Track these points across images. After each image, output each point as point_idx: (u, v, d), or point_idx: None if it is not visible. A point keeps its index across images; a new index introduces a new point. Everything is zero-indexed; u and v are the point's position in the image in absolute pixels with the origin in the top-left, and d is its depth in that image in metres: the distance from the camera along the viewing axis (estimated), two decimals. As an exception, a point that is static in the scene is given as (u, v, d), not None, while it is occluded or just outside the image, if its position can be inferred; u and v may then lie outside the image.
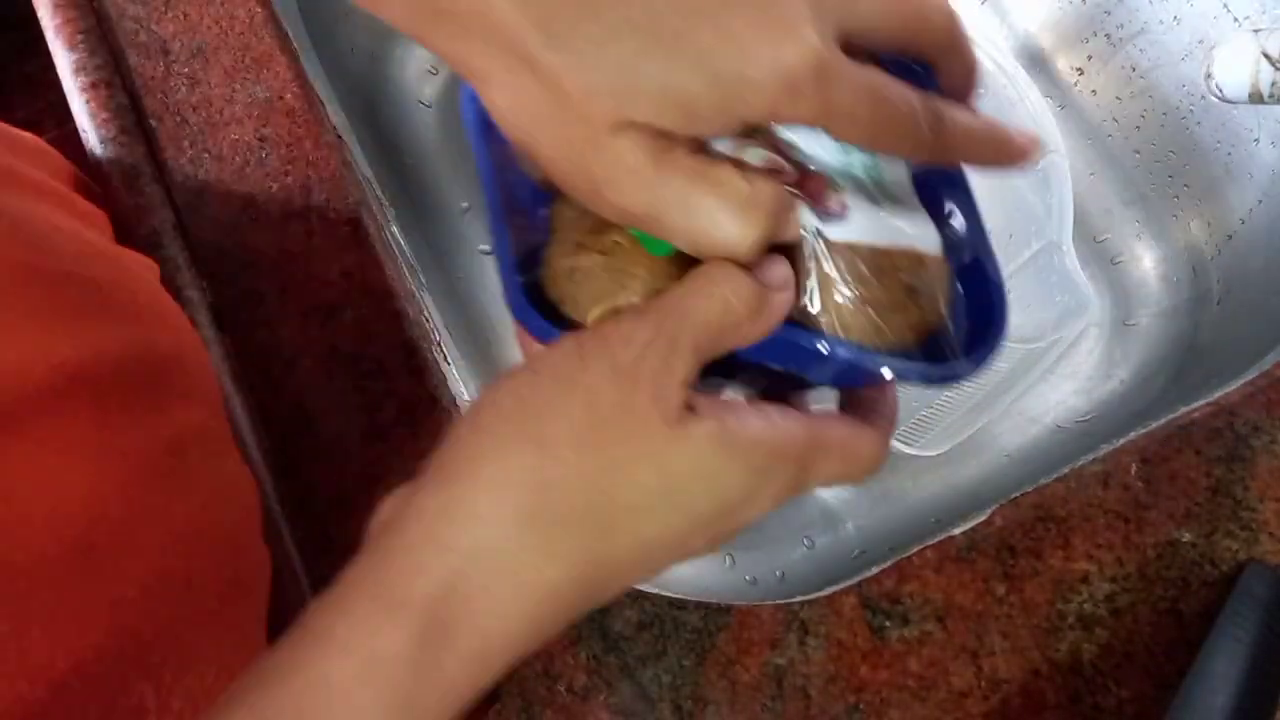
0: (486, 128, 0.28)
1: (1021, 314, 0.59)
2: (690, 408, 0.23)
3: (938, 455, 0.59)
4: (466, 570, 0.22)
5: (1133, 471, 0.45)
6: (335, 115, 0.52)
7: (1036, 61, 0.69)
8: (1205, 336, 0.61)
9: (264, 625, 0.38)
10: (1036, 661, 0.42)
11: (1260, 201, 0.59)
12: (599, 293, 0.26)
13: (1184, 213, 0.64)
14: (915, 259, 0.27)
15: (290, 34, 0.52)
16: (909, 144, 0.24)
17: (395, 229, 0.54)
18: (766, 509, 0.25)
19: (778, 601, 0.43)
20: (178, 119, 0.49)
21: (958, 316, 0.28)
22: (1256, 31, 0.49)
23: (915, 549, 0.44)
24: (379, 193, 0.55)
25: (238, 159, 0.49)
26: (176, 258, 0.46)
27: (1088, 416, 0.62)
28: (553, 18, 0.21)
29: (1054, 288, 0.61)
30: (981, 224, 0.28)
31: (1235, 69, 0.49)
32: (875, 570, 0.44)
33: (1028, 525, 0.44)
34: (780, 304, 0.25)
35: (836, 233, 0.25)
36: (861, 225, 0.26)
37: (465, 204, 0.68)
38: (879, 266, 0.26)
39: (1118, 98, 0.66)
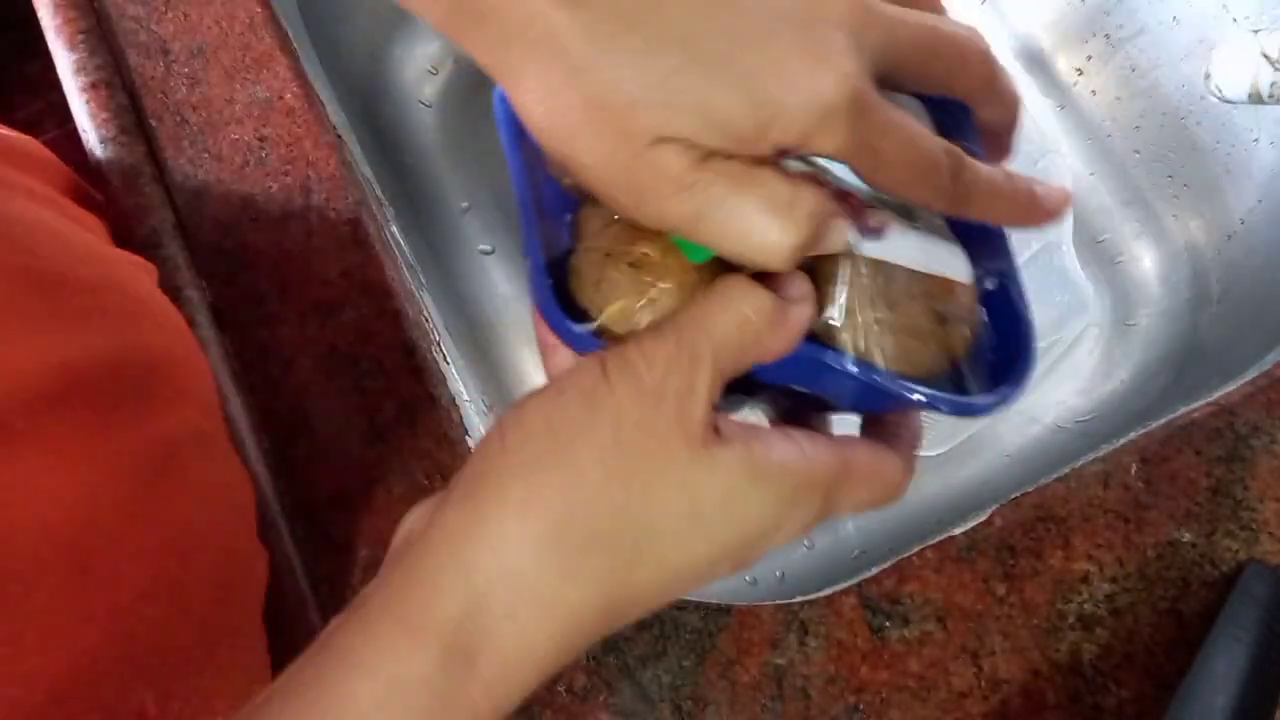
0: (518, 129, 0.27)
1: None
2: (717, 430, 0.23)
3: (938, 455, 0.59)
4: (490, 593, 0.22)
5: (1133, 471, 0.45)
6: (335, 115, 0.52)
7: (1036, 61, 0.69)
8: (1205, 336, 0.61)
9: (261, 627, 0.38)
10: (1036, 661, 0.42)
11: (1260, 201, 0.59)
12: (626, 304, 0.26)
13: (1184, 213, 0.64)
14: (946, 286, 0.26)
15: (290, 34, 0.52)
16: (929, 191, 0.24)
17: (395, 229, 0.54)
18: (792, 538, 0.25)
19: (778, 602, 0.43)
20: (177, 119, 0.49)
21: (983, 348, 0.27)
22: (1256, 31, 0.49)
23: (915, 549, 0.44)
24: (378, 192, 0.55)
25: (237, 159, 0.49)
26: (176, 257, 0.46)
27: (1088, 416, 0.62)
28: (597, 29, 0.21)
29: (1054, 288, 0.61)
30: (1012, 256, 0.28)
31: (1235, 69, 0.49)
32: (875, 570, 0.44)
33: (1028, 525, 0.44)
34: (799, 317, 0.25)
35: (874, 250, 0.25)
36: (898, 246, 0.26)
37: (465, 204, 0.68)
38: (911, 291, 0.26)
39: (1118, 98, 0.66)
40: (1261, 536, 0.44)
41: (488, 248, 0.67)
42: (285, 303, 0.46)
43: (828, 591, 0.43)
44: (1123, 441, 0.46)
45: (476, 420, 0.51)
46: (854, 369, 0.25)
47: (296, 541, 0.42)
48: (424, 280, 0.56)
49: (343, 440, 0.44)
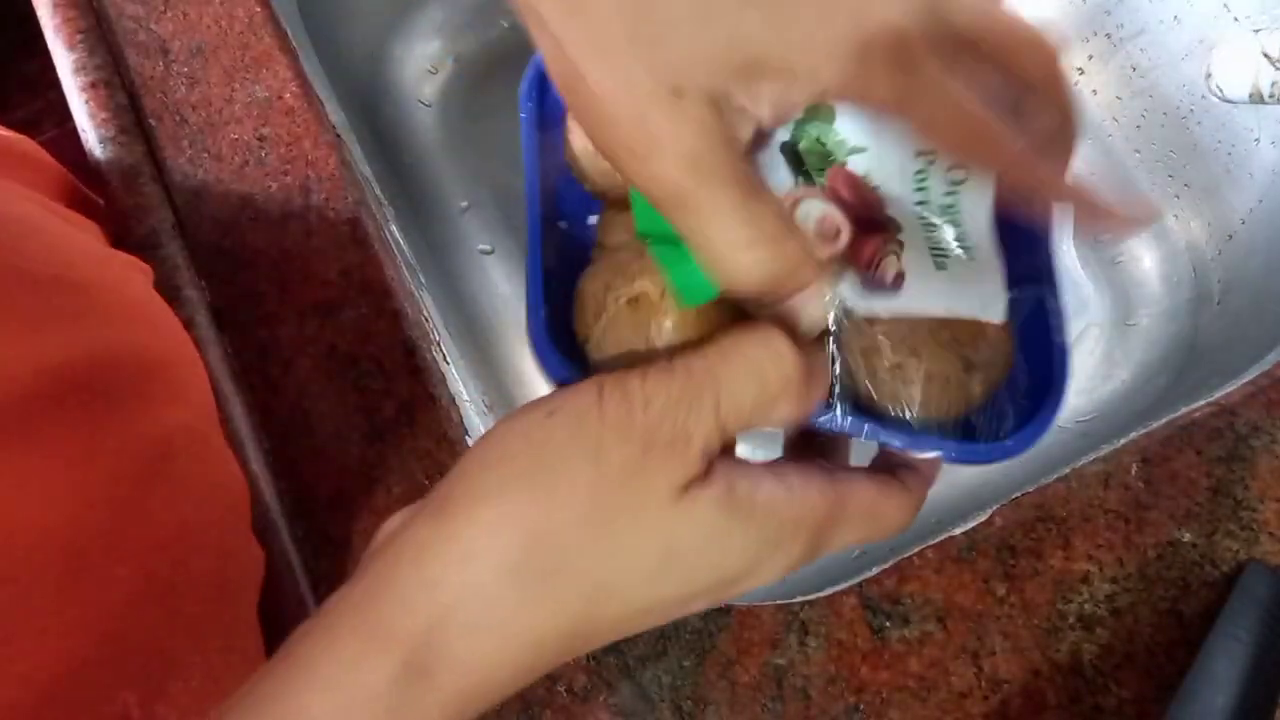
0: (541, 132, 0.27)
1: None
2: (704, 470, 0.22)
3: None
4: (453, 611, 0.21)
5: (1133, 471, 0.45)
6: (334, 114, 0.52)
7: (1036, 61, 0.68)
8: (1205, 336, 0.61)
9: (256, 627, 0.38)
10: (1037, 662, 0.42)
11: (1260, 201, 0.59)
12: (622, 340, 0.25)
13: (1184, 213, 0.64)
14: (975, 331, 0.25)
15: (289, 33, 0.52)
16: (993, 151, 0.23)
17: (394, 228, 0.54)
18: (776, 578, 0.24)
19: (778, 602, 0.43)
20: (177, 118, 0.49)
21: (1015, 385, 0.26)
22: (1256, 31, 0.48)
23: (915, 549, 0.44)
24: (378, 192, 0.55)
25: (237, 158, 0.49)
26: (175, 257, 0.46)
27: (1088, 416, 0.62)
28: None
29: (1054, 287, 0.61)
30: (1055, 278, 0.26)
31: (1235, 69, 0.49)
32: (875, 570, 0.44)
33: (1028, 525, 0.44)
34: (819, 393, 0.24)
35: (884, 307, 0.24)
36: (916, 296, 0.24)
37: (465, 203, 0.68)
38: (933, 339, 0.25)
39: (1118, 97, 0.66)
40: (1261, 536, 0.44)
41: (487, 247, 0.67)
42: (285, 302, 0.46)
43: (828, 591, 0.43)
44: (1123, 441, 0.45)
45: (476, 420, 0.51)
46: (851, 432, 0.24)
47: (296, 541, 0.42)
48: (424, 280, 0.56)
49: (342, 440, 0.44)
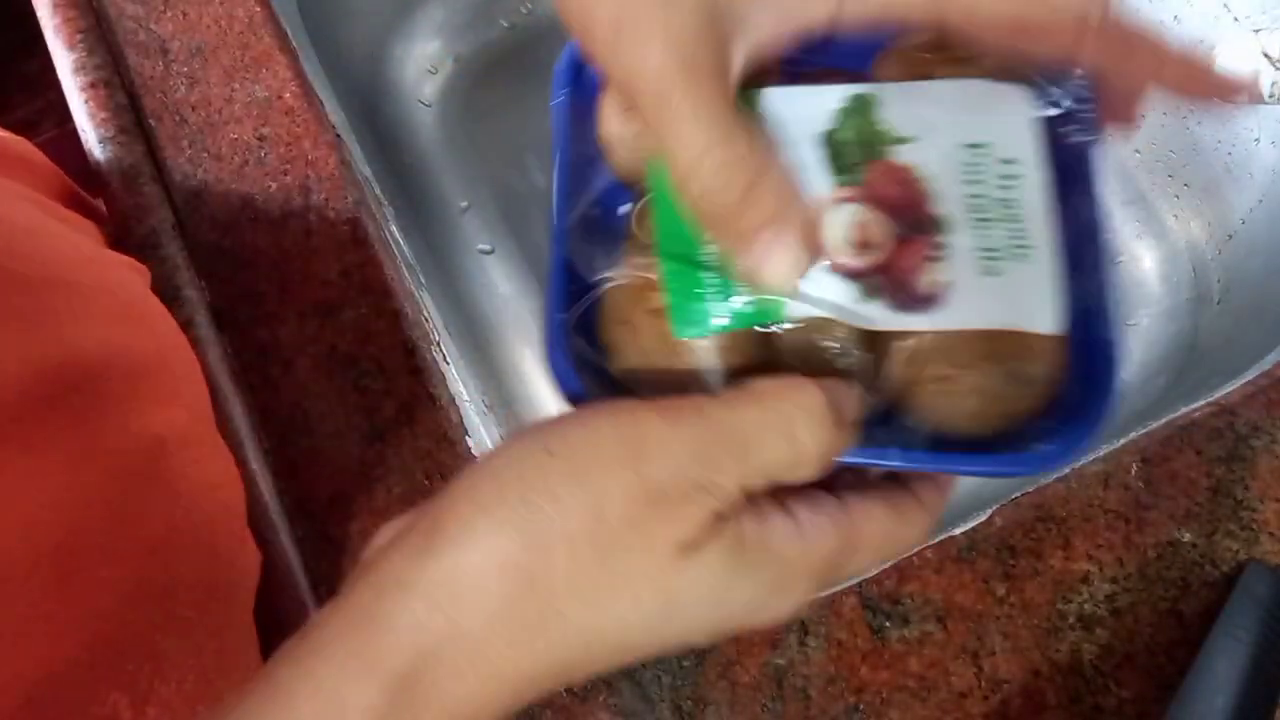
0: (573, 118, 0.26)
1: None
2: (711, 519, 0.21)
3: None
4: (438, 651, 0.21)
5: (1133, 471, 0.45)
6: (334, 114, 0.52)
7: (1036, 61, 0.68)
8: (1205, 336, 0.61)
9: (251, 629, 0.38)
10: (1037, 662, 0.42)
11: (1260, 201, 0.59)
12: (646, 352, 0.23)
13: (1184, 213, 0.64)
14: (1022, 344, 0.23)
15: (289, 33, 0.52)
16: (1066, 29, 0.21)
17: (394, 228, 0.54)
18: (785, 616, 0.23)
19: (777, 601, 0.43)
20: (177, 118, 0.49)
21: (1066, 395, 0.24)
22: (1257, 31, 0.48)
23: (915, 549, 0.44)
24: (378, 192, 0.55)
25: (236, 158, 0.49)
26: (175, 257, 0.46)
27: (1088, 416, 0.62)
28: None
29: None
30: (1108, 267, 0.24)
31: (1236, 69, 0.49)
32: (875, 570, 0.44)
33: (1028, 525, 0.44)
34: (848, 441, 0.22)
35: (922, 322, 0.23)
36: (960, 308, 0.23)
37: (465, 203, 0.68)
38: (975, 353, 0.23)
39: (1118, 97, 0.66)
40: (1261, 536, 0.44)
41: (487, 247, 0.67)
42: (284, 302, 0.46)
43: (828, 592, 0.43)
44: (1123, 441, 0.45)
45: (476, 420, 0.51)
46: (886, 463, 0.23)
47: (296, 541, 0.42)
48: (424, 280, 0.56)
49: (342, 440, 0.44)
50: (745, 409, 0.21)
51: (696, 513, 0.21)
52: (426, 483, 0.44)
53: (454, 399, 0.46)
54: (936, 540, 0.44)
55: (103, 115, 0.48)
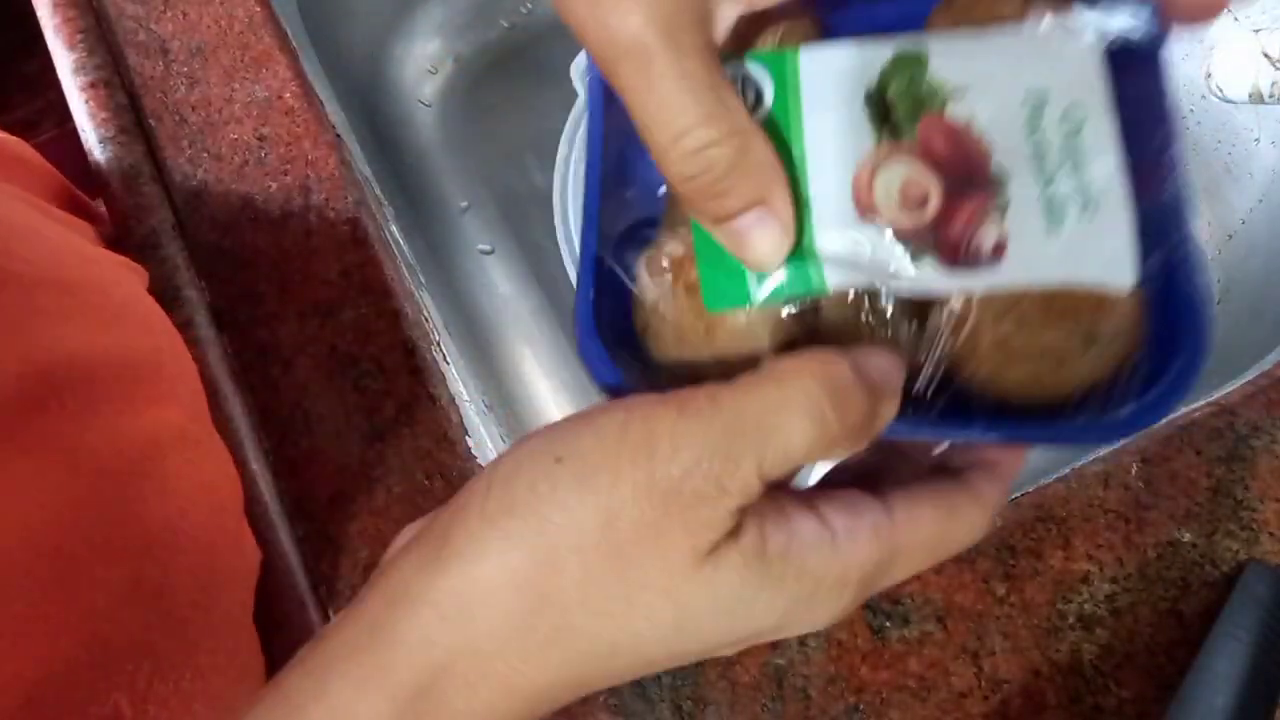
0: (608, 95, 0.25)
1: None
2: (733, 527, 0.20)
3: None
4: (449, 665, 0.20)
5: (1133, 471, 0.45)
6: (334, 114, 0.52)
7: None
8: (1205, 336, 0.61)
9: (250, 627, 0.38)
10: (1037, 662, 0.42)
11: (1260, 201, 0.59)
12: (683, 333, 0.22)
13: (1184, 212, 0.64)
14: (1095, 302, 0.21)
15: (289, 33, 0.52)
16: None
17: (394, 228, 0.54)
18: (816, 628, 0.21)
19: (777, 601, 0.43)
20: (177, 118, 0.49)
21: (1142, 357, 0.22)
22: (1257, 31, 0.49)
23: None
24: (378, 192, 0.55)
25: (237, 158, 0.49)
26: (175, 257, 0.46)
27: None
28: None
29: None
30: (1187, 210, 0.22)
31: (1235, 69, 0.49)
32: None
33: (1028, 525, 0.44)
34: (888, 413, 0.20)
35: (980, 283, 0.21)
36: (1022, 266, 0.21)
37: (465, 203, 0.68)
38: (1043, 313, 0.21)
39: (1118, 97, 0.66)
40: (1261, 536, 0.44)
41: (487, 247, 0.67)
42: (284, 302, 0.46)
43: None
44: (1123, 441, 0.45)
45: (476, 420, 0.51)
46: (932, 437, 0.21)
47: (296, 541, 0.42)
48: (423, 280, 0.56)
49: (343, 440, 0.44)
50: (763, 391, 0.20)
51: (712, 516, 0.19)
52: (426, 483, 0.44)
53: (454, 399, 0.46)
54: (936, 540, 0.44)
55: (103, 115, 0.48)
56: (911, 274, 0.21)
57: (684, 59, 0.19)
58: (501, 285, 0.66)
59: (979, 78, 0.22)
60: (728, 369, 0.21)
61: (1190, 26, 0.23)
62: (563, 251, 0.54)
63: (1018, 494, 0.45)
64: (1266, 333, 0.52)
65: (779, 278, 0.22)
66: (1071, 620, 0.43)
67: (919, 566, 0.22)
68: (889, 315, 0.22)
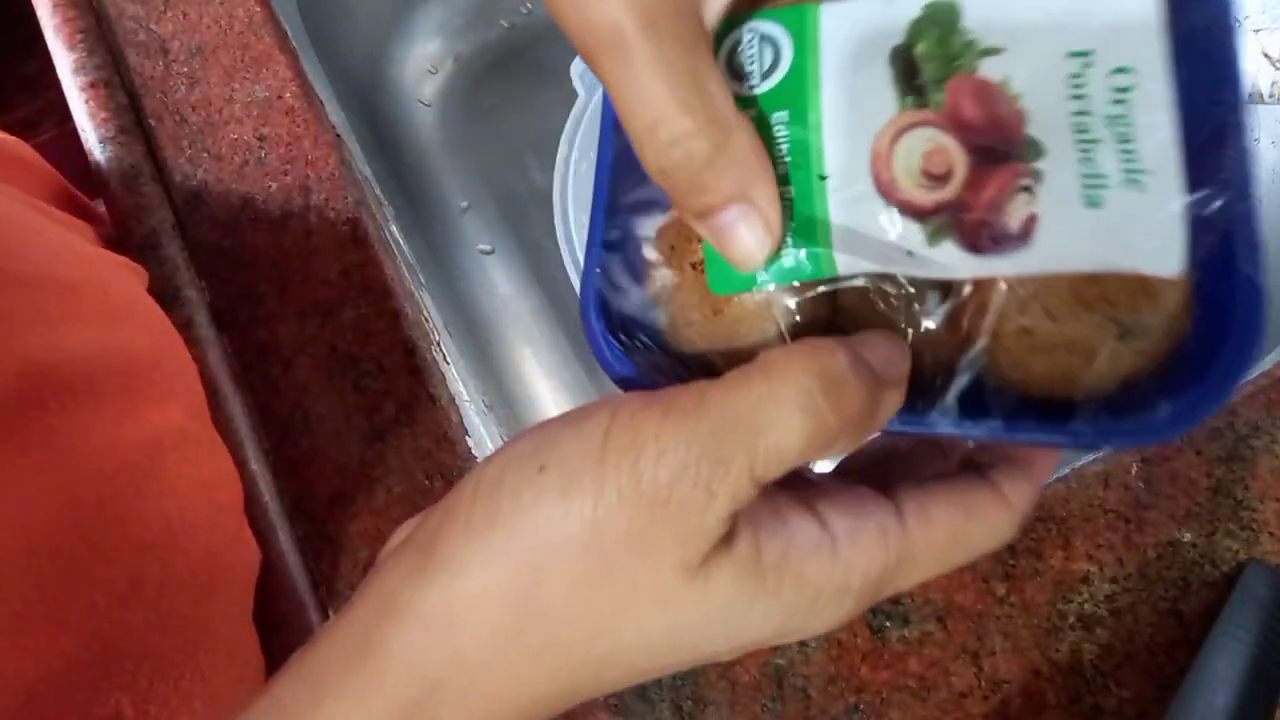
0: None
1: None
2: (726, 533, 0.19)
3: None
4: (440, 678, 0.20)
5: (1133, 471, 0.45)
6: (334, 114, 0.52)
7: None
8: (1205, 336, 0.61)
9: (250, 626, 0.38)
10: (1037, 662, 0.42)
11: (1260, 201, 0.59)
12: (691, 316, 0.21)
13: (1184, 212, 0.64)
14: (1135, 288, 0.19)
15: (289, 33, 0.52)
16: None
17: (394, 228, 0.54)
18: (816, 634, 0.21)
19: (777, 601, 0.43)
20: (177, 118, 0.49)
21: (1191, 347, 0.19)
22: (1257, 32, 0.48)
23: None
24: (378, 192, 0.55)
25: (237, 158, 0.49)
26: (175, 257, 0.46)
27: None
28: None
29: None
30: (1248, 182, 0.19)
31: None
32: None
33: (1028, 525, 0.44)
34: (891, 405, 0.19)
35: (1006, 266, 0.19)
36: (1054, 247, 0.19)
37: (465, 203, 0.68)
38: (1071, 300, 0.19)
39: (1118, 97, 0.65)
40: (1261, 536, 0.44)
41: (488, 247, 0.67)
42: (284, 302, 0.46)
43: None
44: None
45: (476, 420, 0.51)
46: (952, 430, 0.19)
47: (296, 541, 0.42)
48: (423, 280, 0.56)
49: (342, 440, 0.44)
50: (751, 386, 0.19)
51: (702, 523, 0.18)
52: (426, 483, 0.44)
53: (454, 399, 0.46)
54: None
55: (103, 115, 0.48)
56: (929, 255, 0.20)
57: (663, 46, 0.18)
58: (501, 285, 0.66)
59: (1018, 32, 0.19)
60: (738, 356, 0.20)
61: None
62: (563, 251, 0.54)
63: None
64: (1267, 332, 0.52)
65: (787, 259, 0.21)
66: (1071, 620, 0.43)
67: (932, 573, 0.20)
68: (907, 299, 0.20)
